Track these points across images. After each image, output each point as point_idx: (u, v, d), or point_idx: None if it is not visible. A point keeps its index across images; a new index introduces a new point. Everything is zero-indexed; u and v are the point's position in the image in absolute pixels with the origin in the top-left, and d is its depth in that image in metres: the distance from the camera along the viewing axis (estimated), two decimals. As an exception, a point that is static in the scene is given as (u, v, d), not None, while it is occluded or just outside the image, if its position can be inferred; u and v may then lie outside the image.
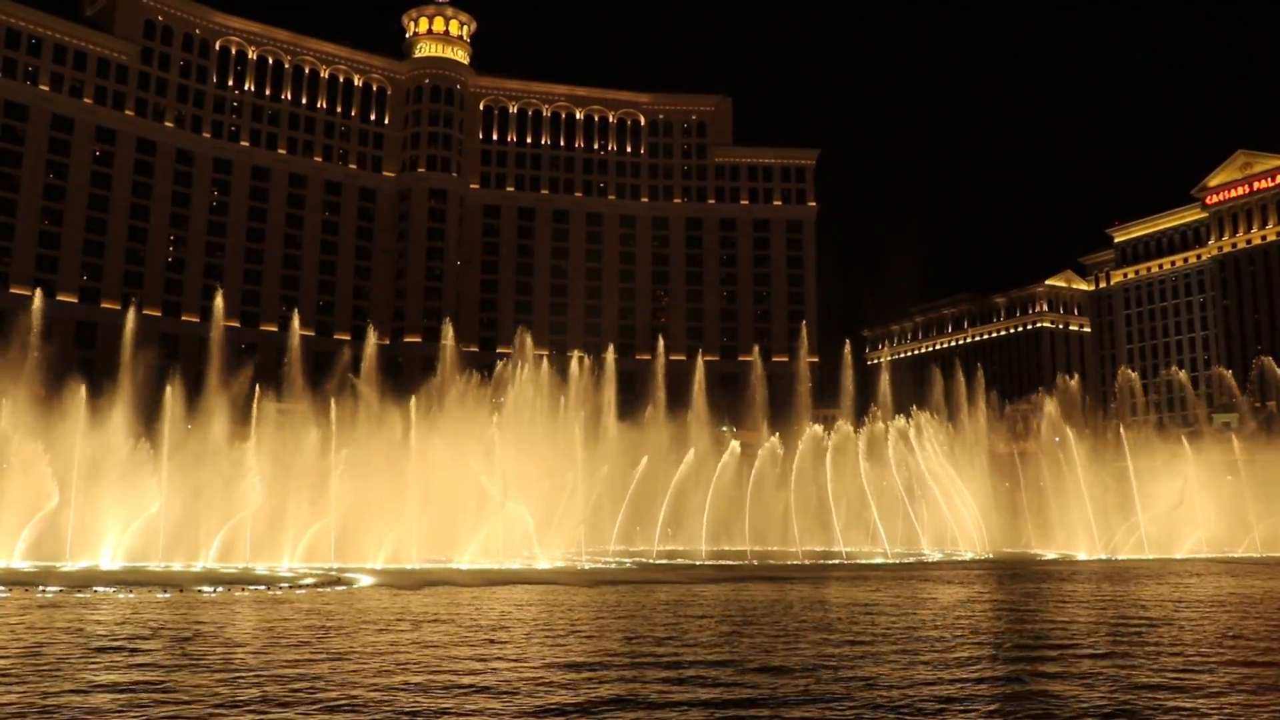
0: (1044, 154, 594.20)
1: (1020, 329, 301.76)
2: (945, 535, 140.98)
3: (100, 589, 59.12)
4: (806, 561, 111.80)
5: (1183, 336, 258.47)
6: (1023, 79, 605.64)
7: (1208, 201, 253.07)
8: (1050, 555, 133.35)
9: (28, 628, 41.21)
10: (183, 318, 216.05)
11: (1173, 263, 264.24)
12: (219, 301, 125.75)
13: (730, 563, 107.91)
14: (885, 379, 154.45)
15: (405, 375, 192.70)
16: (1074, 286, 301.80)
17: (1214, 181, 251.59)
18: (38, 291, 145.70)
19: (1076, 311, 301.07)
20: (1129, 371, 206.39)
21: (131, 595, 56.36)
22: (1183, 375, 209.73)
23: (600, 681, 29.44)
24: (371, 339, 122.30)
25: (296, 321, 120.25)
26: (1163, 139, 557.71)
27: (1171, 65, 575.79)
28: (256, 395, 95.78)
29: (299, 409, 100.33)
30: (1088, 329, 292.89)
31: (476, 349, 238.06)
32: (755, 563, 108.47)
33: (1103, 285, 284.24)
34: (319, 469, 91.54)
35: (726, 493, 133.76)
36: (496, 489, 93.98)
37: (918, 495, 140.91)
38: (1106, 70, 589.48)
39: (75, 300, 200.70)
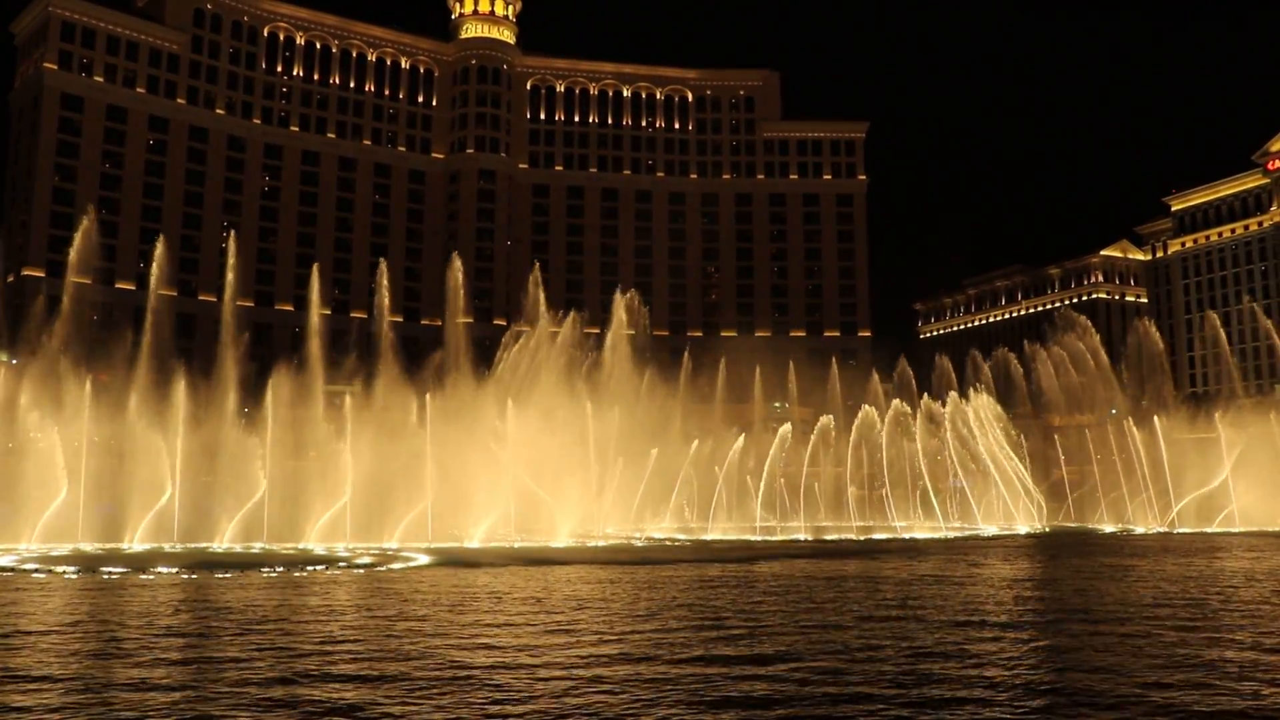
0: (1099, 122, 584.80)
1: (1075, 300, 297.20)
2: (1000, 510, 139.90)
3: (164, 569, 60.20)
4: (861, 538, 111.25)
5: (1242, 306, 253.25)
6: (1077, 45, 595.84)
7: (1269, 167, 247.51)
8: (1108, 529, 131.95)
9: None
10: (238, 303, 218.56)
11: (1233, 230, 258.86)
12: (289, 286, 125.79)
13: (789, 538, 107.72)
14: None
15: (457, 356, 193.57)
16: (1130, 256, 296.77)
17: (1276, 146, 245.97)
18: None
19: (1133, 282, 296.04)
20: (1214, 316, 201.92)
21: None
22: (1220, 331, 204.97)
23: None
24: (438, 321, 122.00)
25: (350, 305, 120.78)
26: (1221, 104, 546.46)
27: (1230, 27, 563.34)
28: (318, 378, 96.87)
29: (354, 391, 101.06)
30: (1144, 299, 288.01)
31: (528, 328, 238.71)
32: (808, 539, 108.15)
33: (1160, 255, 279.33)
34: (367, 451, 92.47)
35: (779, 470, 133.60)
36: (506, 461, 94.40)
37: (972, 470, 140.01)
38: (1162, 34, 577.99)
39: (133, 287, 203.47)
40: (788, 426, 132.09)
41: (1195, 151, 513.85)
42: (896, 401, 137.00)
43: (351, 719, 22.51)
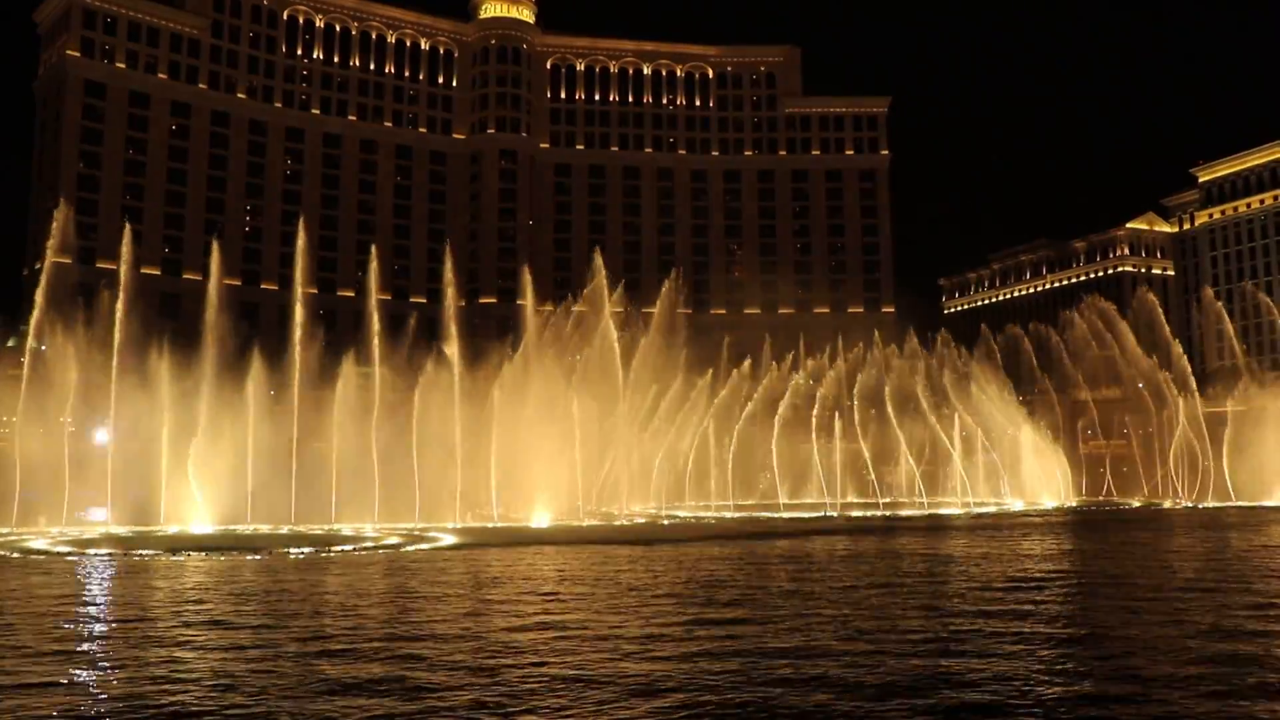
0: (1124, 93, 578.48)
1: (1101, 274, 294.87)
2: (1025, 485, 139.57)
3: (196, 552, 60.80)
4: (887, 514, 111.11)
5: (1273, 278, 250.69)
6: (1101, 16, 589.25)
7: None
8: (1135, 503, 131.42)
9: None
10: (262, 286, 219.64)
11: (1261, 201, 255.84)
12: (299, 269, 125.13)
13: (812, 515, 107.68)
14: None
15: (481, 336, 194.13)
16: (1156, 229, 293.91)
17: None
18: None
19: (1159, 255, 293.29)
20: (1218, 304, 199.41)
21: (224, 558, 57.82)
22: (1263, 298, 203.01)
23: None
24: (452, 297, 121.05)
25: (373, 285, 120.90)
26: (1248, 73, 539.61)
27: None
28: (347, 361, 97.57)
29: (377, 372, 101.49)
30: (1171, 272, 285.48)
31: (551, 308, 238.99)
32: (836, 514, 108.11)
33: (1186, 227, 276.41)
34: (395, 431, 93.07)
35: (795, 446, 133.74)
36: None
37: (997, 446, 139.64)
38: (1188, 3, 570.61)
39: (158, 273, 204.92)
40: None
41: (1222, 122, 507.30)
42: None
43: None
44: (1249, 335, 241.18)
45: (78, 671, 25.72)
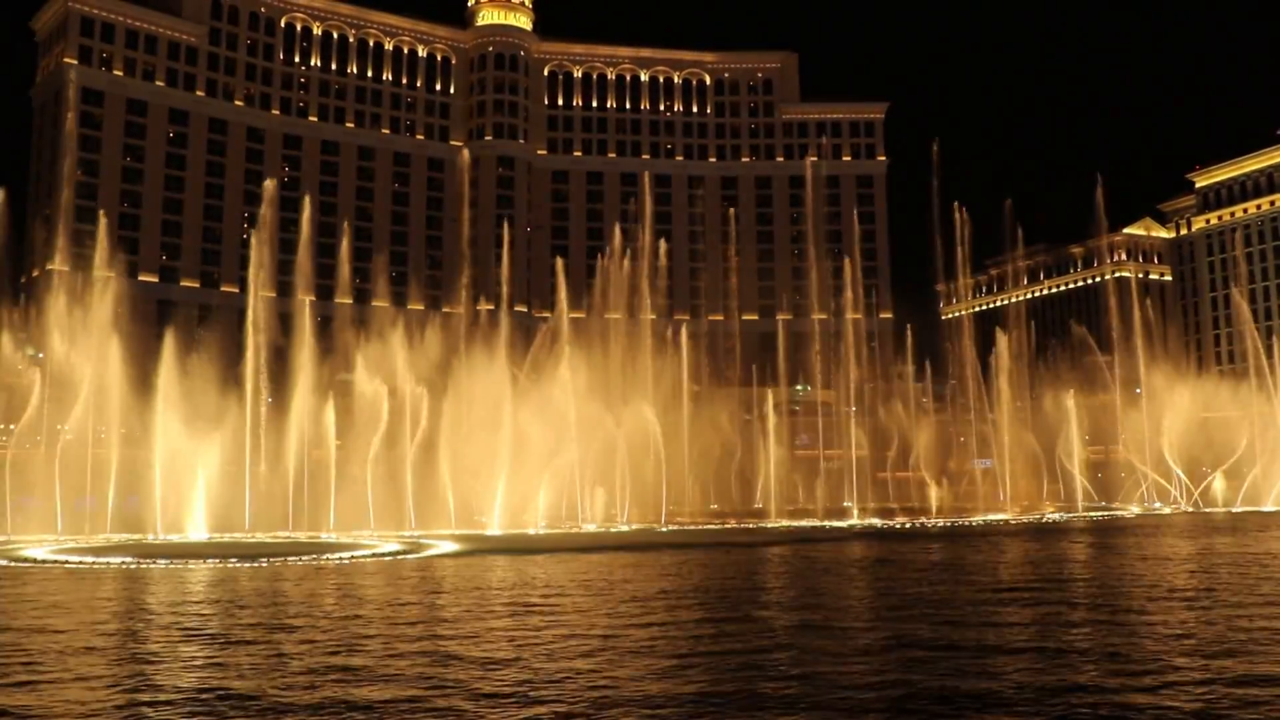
0: (1121, 98, 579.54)
1: (1098, 279, 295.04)
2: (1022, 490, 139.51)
3: (205, 559, 60.64)
4: (890, 523, 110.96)
5: (1269, 283, 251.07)
6: (1097, 22, 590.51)
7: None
8: (1135, 509, 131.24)
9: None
10: (260, 293, 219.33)
11: (1258, 206, 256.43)
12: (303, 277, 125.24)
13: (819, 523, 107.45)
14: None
15: (479, 342, 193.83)
16: (1153, 234, 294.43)
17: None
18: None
19: (1157, 260, 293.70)
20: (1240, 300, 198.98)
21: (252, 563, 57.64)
22: (1240, 299, 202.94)
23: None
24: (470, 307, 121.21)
25: (384, 292, 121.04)
26: (1245, 78, 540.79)
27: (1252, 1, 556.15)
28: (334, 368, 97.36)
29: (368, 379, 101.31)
30: (1168, 277, 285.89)
31: (549, 314, 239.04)
32: (848, 524, 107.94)
33: (1184, 232, 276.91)
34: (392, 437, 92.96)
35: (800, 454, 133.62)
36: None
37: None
38: (1184, 9, 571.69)
39: (155, 279, 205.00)
40: None
41: (1219, 127, 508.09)
42: None
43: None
44: (1247, 340, 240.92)
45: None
